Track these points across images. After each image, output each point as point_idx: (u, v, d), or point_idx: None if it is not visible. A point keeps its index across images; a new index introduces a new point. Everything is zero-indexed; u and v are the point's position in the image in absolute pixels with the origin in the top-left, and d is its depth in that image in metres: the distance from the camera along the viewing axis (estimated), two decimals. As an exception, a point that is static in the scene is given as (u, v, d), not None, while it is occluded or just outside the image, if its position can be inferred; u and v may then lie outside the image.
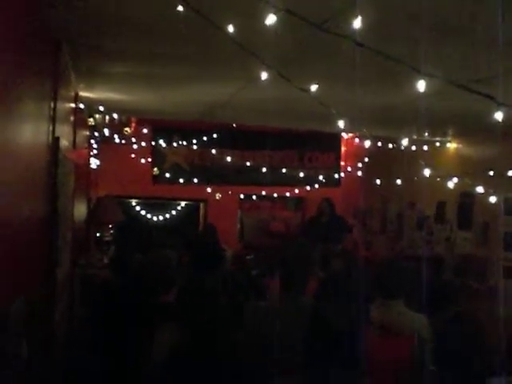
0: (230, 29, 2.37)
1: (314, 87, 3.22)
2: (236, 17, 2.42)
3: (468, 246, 8.54)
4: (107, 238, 8.88)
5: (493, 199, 6.27)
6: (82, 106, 6.75)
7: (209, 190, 11.26)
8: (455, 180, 6.48)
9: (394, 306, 4.34)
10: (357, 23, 2.09)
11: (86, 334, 5.56)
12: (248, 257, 9.25)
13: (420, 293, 5.15)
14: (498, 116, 2.31)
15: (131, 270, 5.65)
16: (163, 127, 10.92)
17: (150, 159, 11.34)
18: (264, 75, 2.83)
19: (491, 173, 6.67)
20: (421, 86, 2.22)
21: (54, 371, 4.67)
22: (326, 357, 3.76)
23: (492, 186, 7.02)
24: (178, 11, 2.69)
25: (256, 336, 3.95)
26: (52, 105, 4.25)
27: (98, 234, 8.92)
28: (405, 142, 8.28)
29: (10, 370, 2.66)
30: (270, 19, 2.05)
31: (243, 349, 3.74)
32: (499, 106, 2.16)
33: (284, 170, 11.63)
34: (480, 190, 3.95)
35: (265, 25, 2.09)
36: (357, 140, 11.47)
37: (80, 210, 7.67)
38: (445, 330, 4.36)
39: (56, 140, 4.31)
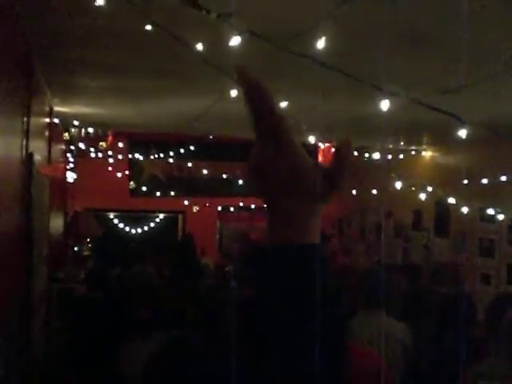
0: (199, 46, 2.39)
1: (283, 103, 3.25)
2: (202, 36, 2.44)
3: (445, 252, 8.61)
4: (85, 252, 8.83)
5: (468, 208, 6.34)
6: (56, 120, 6.72)
7: (187, 202, 11.25)
8: (429, 190, 6.56)
9: (376, 315, 4.35)
10: (320, 43, 2.11)
11: (63, 349, 5.52)
12: (227, 268, 9.23)
13: (398, 302, 5.20)
14: (462, 133, 2.34)
15: (109, 284, 5.63)
16: (140, 140, 10.90)
17: (127, 172, 11.30)
18: (234, 91, 2.85)
19: (466, 181, 6.75)
20: (384, 105, 2.25)
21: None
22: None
23: (468, 193, 7.10)
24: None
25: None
26: (25, 120, 4.22)
27: (75, 248, 8.87)
28: (380, 151, 8.34)
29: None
30: (235, 41, 2.07)
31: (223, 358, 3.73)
32: (463, 124, 2.19)
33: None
34: (452, 200, 4.00)
35: (230, 43, 2.11)
36: (333, 149, 11.54)
37: (57, 224, 7.63)
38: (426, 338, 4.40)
39: (29, 156, 4.29)
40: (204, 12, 1.99)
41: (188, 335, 3.72)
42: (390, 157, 9.12)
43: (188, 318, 4.13)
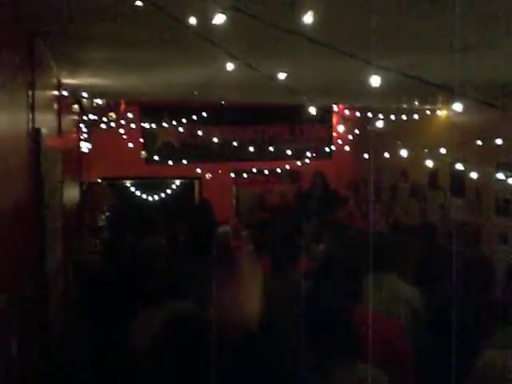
0: (191, 21, 2.35)
1: (282, 75, 3.20)
2: (191, 11, 2.40)
3: (461, 212, 8.55)
4: (101, 223, 8.89)
5: (483, 170, 6.25)
6: (65, 93, 6.71)
7: (202, 167, 11.28)
8: (443, 152, 6.49)
9: (387, 279, 4.31)
10: (308, 17, 2.06)
11: (81, 320, 5.60)
12: (243, 232, 9.24)
13: (414, 264, 5.14)
14: (457, 107, 2.29)
15: (124, 255, 5.67)
16: (152, 108, 10.89)
17: (141, 140, 11.34)
18: (230, 64, 2.82)
19: (479, 142, 6.65)
20: (374, 81, 2.19)
21: (49, 363, 4.71)
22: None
23: (484, 152, 7.02)
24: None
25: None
26: (30, 95, 4.21)
27: (91, 219, 8.94)
28: (394, 112, 8.25)
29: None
30: (219, 18, 2.04)
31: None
32: (455, 98, 2.15)
33: (276, 144, 11.65)
34: (461, 166, 3.94)
35: (214, 20, 2.08)
36: (347, 111, 11.43)
37: (71, 195, 7.67)
38: (442, 299, 4.36)
39: (36, 131, 4.29)
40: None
41: (200, 306, 3.74)
42: (404, 117, 9.02)
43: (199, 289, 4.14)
